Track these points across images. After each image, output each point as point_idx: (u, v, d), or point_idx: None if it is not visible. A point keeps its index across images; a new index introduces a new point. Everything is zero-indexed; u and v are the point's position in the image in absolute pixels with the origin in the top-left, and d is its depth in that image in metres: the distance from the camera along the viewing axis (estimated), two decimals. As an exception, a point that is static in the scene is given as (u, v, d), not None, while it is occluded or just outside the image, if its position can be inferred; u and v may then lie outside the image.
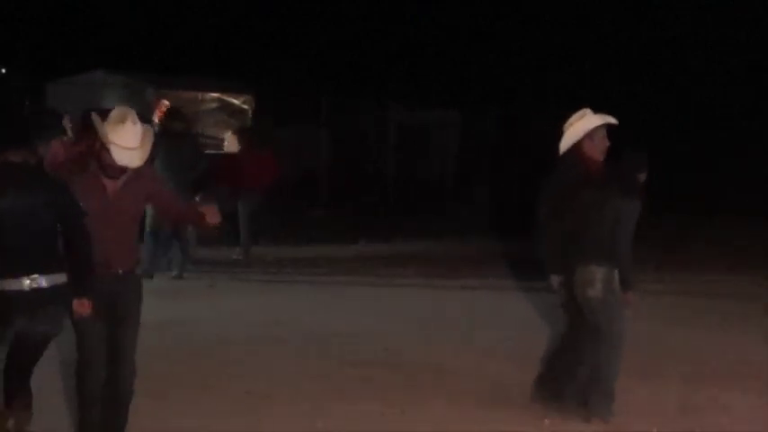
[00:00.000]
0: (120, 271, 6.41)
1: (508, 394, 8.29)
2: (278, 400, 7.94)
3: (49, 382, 7.90)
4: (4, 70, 32.42)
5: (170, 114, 14.04)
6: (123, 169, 6.28)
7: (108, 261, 6.34)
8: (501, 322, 11.45)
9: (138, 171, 6.40)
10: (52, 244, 6.23)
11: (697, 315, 11.88)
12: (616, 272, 7.49)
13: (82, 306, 6.19)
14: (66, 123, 10.65)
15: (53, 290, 6.15)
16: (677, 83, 29.76)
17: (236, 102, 20.70)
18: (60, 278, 6.18)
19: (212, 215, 6.69)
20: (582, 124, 7.63)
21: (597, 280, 7.42)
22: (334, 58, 31.32)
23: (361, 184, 25.43)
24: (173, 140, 13.15)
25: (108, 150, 6.17)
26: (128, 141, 6.18)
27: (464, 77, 31.45)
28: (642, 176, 7.61)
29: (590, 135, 7.60)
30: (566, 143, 7.66)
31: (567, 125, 7.70)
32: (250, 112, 21.33)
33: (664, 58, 30.22)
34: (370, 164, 26.26)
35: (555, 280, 7.70)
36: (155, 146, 6.49)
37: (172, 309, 11.23)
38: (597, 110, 7.81)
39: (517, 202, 25.28)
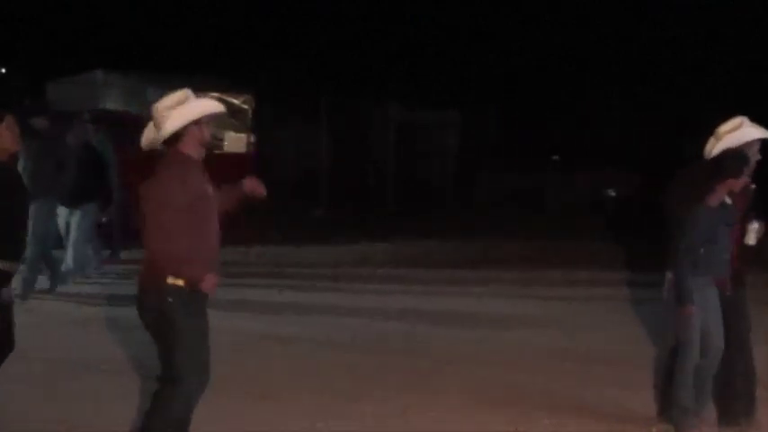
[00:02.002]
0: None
1: (508, 395, 8.29)
2: (278, 400, 7.93)
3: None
4: (4, 70, 32.46)
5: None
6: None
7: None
8: (501, 323, 11.45)
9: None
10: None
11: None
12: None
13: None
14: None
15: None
16: (677, 82, 29.78)
17: (236, 102, 20.72)
18: None
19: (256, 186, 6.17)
20: (739, 134, 7.29)
21: (666, 285, 7.21)
22: (334, 58, 31.32)
23: (361, 184, 25.45)
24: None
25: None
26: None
27: (464, 77, 31.46)
28: (736, 182, 7.10)
29: (745, 147, 7.26)
30: (717, 151, 7.31)
31: (720, 132, 7.34)
32: (250, 112, 21.34)
33: (664, 57, 30.24)
34: (370, 164, 26.28)
35: None
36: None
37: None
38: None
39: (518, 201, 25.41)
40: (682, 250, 7.05)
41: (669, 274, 7.18)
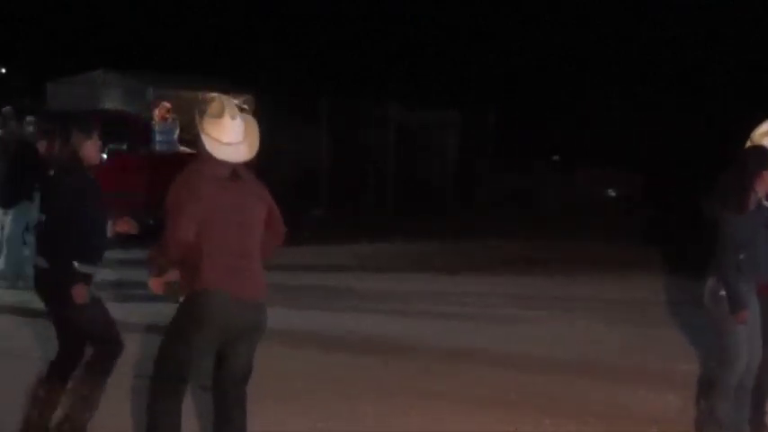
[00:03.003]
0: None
1: (508, 395, 8.29)
2: (278, 400, 7.92)
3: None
4: (4, 70, 32.47)
5: None
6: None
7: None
8: (501, 324, 11.45)
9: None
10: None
11: (698, 316, 11.86)
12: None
13: None
14: None
15: None
16: (677, 82, 29.78)
17: (236, 102, 20.71)
18: None
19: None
20: None
21: (706, 292, 7.01)
22: (334, 58, 31.34)
23: (361, 184, 25.43)
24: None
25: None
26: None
27: (464, 77, 31.47)
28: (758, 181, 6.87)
29: None
30: None
31: (755, 136, 7.15)
32: (250, 112, 21.29)
33: (664, 57, 30.25)
34: (370, 164, 26.26)
35: None
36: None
37: (170, 309, 11.20)
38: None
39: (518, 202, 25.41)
40: (725, 256, 6.84)
41: (711, 281, 6.96)
